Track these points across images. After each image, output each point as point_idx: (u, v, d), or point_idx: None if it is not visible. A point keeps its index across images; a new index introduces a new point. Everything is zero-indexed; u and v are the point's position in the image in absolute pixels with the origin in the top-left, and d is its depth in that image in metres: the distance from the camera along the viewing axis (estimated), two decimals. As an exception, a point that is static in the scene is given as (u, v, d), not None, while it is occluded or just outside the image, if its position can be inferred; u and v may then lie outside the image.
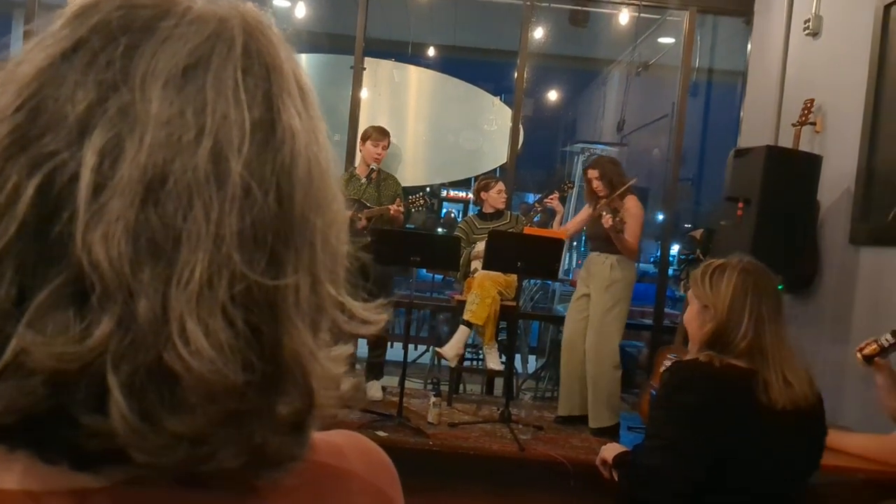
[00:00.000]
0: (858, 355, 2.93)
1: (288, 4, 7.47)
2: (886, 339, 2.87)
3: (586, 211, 5.33)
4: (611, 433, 4.98)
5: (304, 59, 7.03)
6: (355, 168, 5.59)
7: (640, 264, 10.19)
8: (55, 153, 0.44)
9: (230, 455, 0.46)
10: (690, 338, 2.17)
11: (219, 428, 0.45)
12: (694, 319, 2.13)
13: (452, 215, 11.72)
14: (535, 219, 5.88)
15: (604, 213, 4.82)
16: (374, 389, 5.32)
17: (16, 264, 0.43)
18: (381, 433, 4.54)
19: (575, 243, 9.22)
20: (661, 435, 1.99)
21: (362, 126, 6.32)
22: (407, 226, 6.26)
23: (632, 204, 5.01)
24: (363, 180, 5.43)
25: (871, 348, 2.90)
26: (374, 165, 5.45)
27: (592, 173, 5.12)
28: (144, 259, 0.43)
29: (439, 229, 10.79)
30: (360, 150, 5.59)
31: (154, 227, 0.43)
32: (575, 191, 7.55)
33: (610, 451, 2.28)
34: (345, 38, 6.66)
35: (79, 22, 0.48)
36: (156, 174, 0.44)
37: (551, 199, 5.62)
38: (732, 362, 2.01)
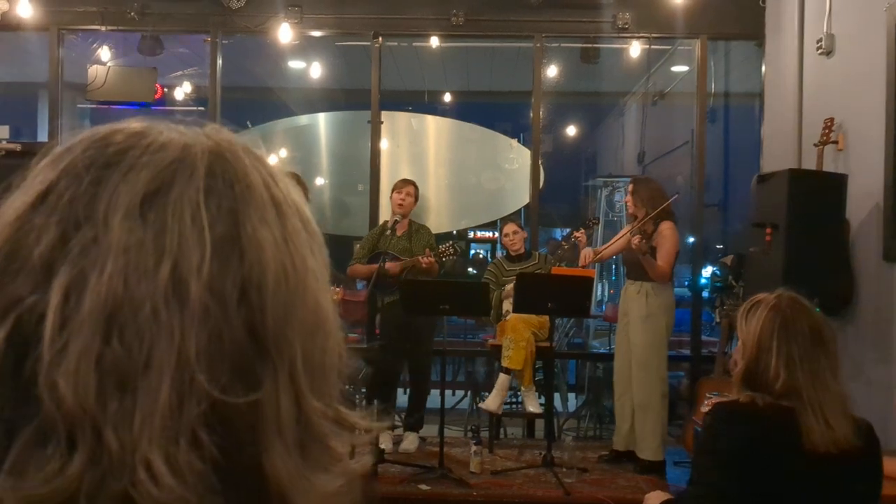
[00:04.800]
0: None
1: (304, 65, 7.61)
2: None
3: (623, 234, 5.30)
4: (657, 470, 4.90)
5: (323, 118, 7.14)
6: (388, 221, 5.63)
7: (675, 289, 10.05)
8: (24, 297, 0.45)
9: None
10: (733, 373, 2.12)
11: None
12: (736, 354, 2.10)
13: (481, 255, 11.71)
14: (561, 260, 5.83)
15: (635, 234, 4.84)
16: (409, 442, 5.27)
17: None
18: (423, 486, 4.51)
19: (605, 273, 9.16)
20: (704, 482, 1.94)
21: (383, 177, 6.40)
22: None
23: (666, 228, 4.98)
24: (388, 232, 5.47)
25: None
26: (397, 217, 5.49)
27: (629, 195, 5.16)
28: (109, 391, 0.43)
29: (469, 269, 10.79)
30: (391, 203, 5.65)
31: (117, 357, 0.43)
32: (601, 226, 7.52)
33: (654, 499, 2.24)
34: (361, 93, 6.76)
35: (52, 167, 0.50)
36: (117, 303, 0.44)
37: (577, 235, 5.59)
38: (775, 402, 1.96)
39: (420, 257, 5.27)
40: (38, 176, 0.50)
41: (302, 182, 5.19)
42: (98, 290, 0.44)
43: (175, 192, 0.48)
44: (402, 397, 5.87)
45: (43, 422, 0.43)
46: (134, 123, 0.52)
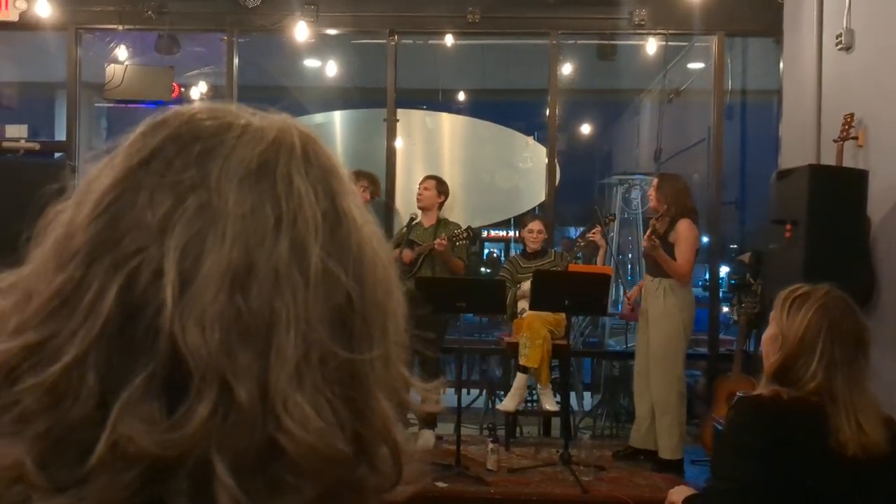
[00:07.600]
0: None
1: (319, 64, 7.61)
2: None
3: None
4: (676, 468, 4.87)
5: (338, 116, 7.14)
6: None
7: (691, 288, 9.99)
8: (136, 253, 0.46)
9: None
10: (764, 362, 2.07)
11: None
12: (768, 343, 2.04)
13: (495, 255, 11.69)
14: (578, 255, 5.83)
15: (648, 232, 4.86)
16: (425, 439, 5.26)
17: (102, 361, 0.44)
18: (440, 484, 4.50)
19: (620, 272, 9.12)
20: (730, 477, 1.92)
21: (399, 175, 6.40)
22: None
23: (683, 226, 4.96)
24: (403, 228, 5.55)
25: None
26: (413, 213, 5.54)
27: (652, 189, 5.15)
28: (239, 343, 0.45)
29: (483, 269, 10.75)
30: None
31: (244, 312, 0.45)
32: (617, 223, 7.49)
33: (678, 493, 2.22)
34: (376, 91, 6.76)
35: (151, 136, 0.52)
36: (241, 264, 0.46)
37: (594, 233, 5.57)
38: (802, 397, 1.91)
39: (434, 242, 5.30)
40: (136, 143, 0.52)
41: (376, 180, 5.65)
42: (220, 252, 0.46)
43: (281, 167, 0.51)
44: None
45: (156, 376, 0.44)
46: (210, 107, 0.55)
